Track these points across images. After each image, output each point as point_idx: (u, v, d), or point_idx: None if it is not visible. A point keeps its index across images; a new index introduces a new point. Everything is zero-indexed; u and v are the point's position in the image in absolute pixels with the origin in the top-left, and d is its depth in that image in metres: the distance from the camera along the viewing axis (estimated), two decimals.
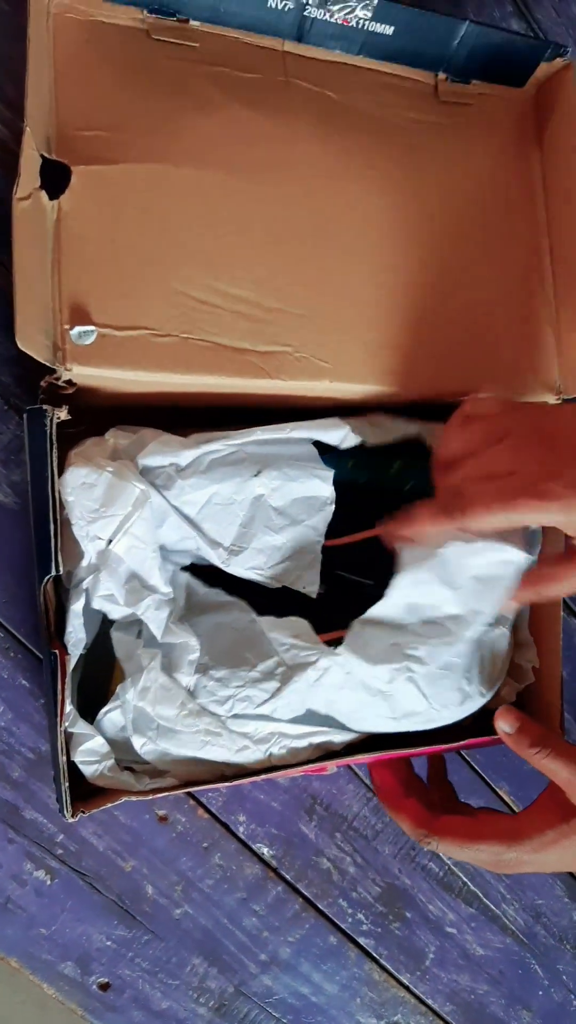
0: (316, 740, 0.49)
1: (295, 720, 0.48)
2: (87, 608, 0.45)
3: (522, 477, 0.42)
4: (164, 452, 0.46)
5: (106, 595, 0.45)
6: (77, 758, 0.45)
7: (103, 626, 0.48)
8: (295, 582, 0.48)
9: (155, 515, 0.46)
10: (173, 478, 0.46)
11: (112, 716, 0.46)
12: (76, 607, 0.45)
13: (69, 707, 0.45)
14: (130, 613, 0.46)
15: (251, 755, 0.47)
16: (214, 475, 0.47)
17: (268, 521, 0.48)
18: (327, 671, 0.47)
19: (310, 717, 0.48)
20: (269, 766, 0.48)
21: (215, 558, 0.47)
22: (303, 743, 0.49)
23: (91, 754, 0.45)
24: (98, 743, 0.45)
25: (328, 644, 0.48)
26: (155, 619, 0.46)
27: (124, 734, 0.46)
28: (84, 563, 0.45)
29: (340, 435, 0.49)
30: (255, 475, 0.47)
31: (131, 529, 0.44)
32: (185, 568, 0.50)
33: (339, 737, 0.49)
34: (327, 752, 0.50)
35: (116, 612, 0.46)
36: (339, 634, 0.48)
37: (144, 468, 0.46)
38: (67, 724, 0.45)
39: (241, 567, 0.48)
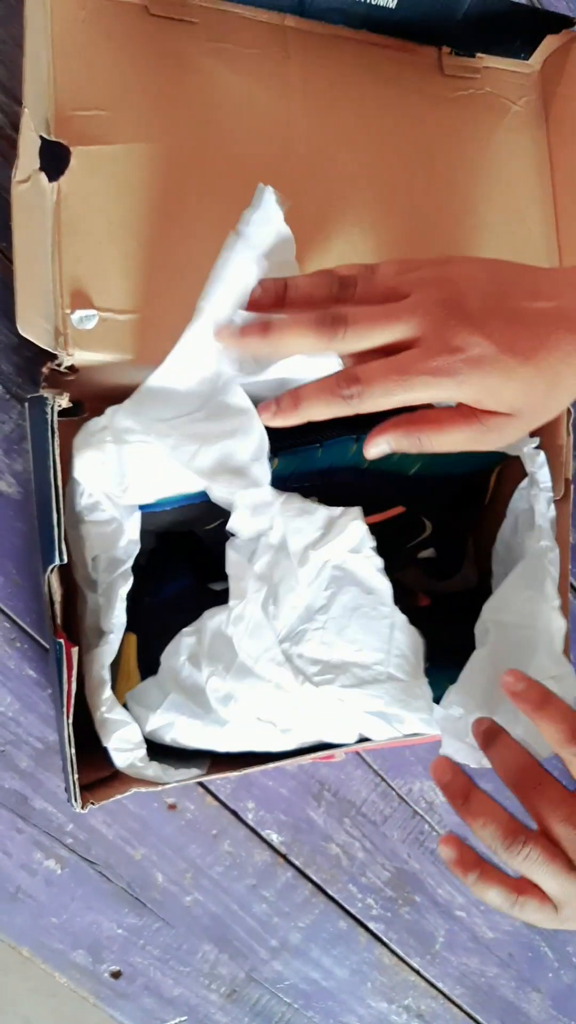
0: (361, 732, 0.48)
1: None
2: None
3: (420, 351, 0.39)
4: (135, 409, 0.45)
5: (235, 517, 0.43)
6: (111, 745, 0.45)
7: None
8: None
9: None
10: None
11: (187, 641, 0.45)
12: (122, 592, 0.44)
13: (108, 692, 0.44)
14: (255, 534, 0.44)
15: (298, 736, 0.47)
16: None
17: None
18: (412, 705, 0.46)
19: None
20: (294, 750, 0.47)
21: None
22: (349, 737, 0.48)
23: (125, 742, 0.45)
24: (132, 731, 0.45)
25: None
26: (283, 530, 0.44)
27: (191, 663, 0.45)
28: (122, 543, 0.44)
29: (335, 366, 0.46)
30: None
31: (179, 465, 0.43)
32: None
33: (381, 735, 0.48)
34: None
35: (248, 528, 0.44)
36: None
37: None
38: (103, 709, 0.44)
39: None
